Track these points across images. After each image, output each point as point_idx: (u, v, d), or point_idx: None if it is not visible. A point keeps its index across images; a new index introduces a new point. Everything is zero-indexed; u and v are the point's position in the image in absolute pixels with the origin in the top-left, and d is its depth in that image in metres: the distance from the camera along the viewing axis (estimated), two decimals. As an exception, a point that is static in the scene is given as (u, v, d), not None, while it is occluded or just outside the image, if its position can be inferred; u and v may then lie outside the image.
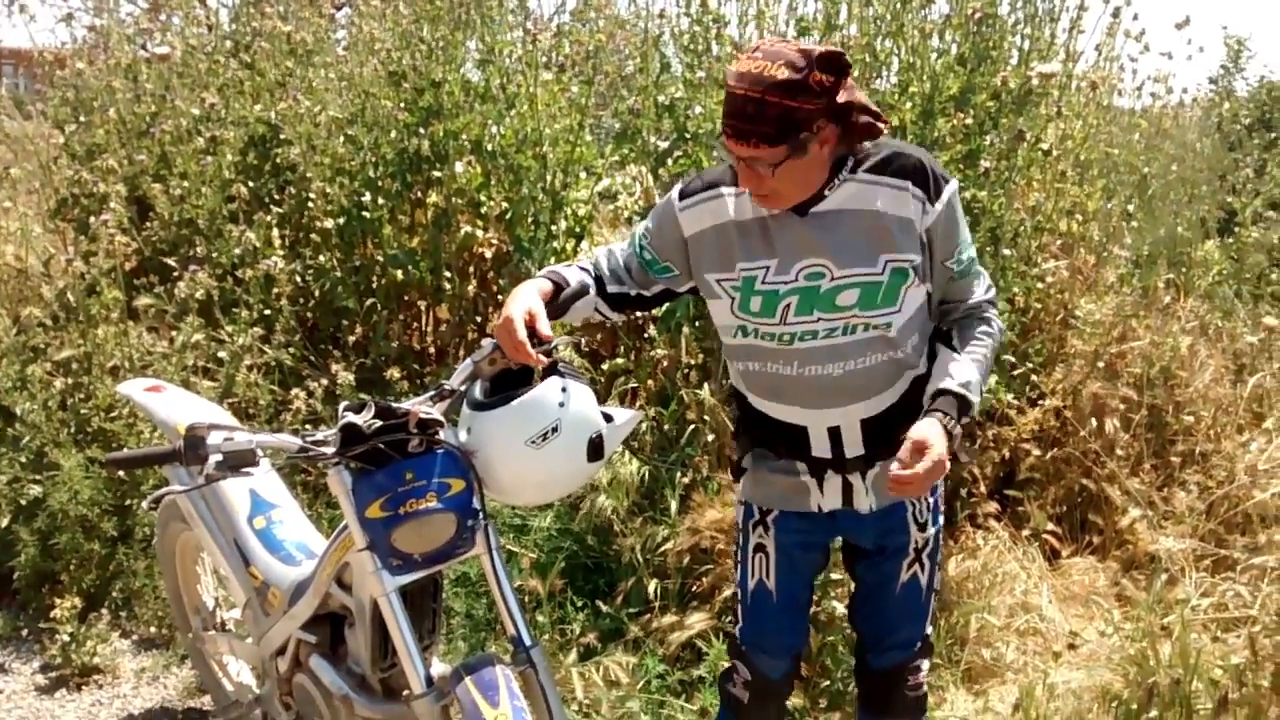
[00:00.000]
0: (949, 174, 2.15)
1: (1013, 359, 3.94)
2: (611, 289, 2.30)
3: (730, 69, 1.97)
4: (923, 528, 2.33)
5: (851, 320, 2.09)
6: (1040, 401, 3.99)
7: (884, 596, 2.38)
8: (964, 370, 2.13)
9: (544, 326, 2.10)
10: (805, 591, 2.45)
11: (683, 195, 2.19)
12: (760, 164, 1.97)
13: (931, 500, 2.34)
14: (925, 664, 2.45)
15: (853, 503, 2.26)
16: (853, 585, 2.49)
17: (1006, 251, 3.77)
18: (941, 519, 2.39)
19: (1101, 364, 4.00)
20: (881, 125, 2.03)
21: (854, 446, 2.20)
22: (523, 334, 2.07)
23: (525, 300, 2.13)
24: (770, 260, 2.10)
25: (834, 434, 2.19)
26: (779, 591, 2.37)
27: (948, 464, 2.01)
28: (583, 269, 2.31)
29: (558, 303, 2.20)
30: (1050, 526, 3.78)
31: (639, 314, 4.27)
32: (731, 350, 2.24)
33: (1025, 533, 3.71)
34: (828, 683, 3.13)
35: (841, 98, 1.96)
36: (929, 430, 2.01)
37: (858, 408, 2.17)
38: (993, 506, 3.79)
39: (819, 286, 2.08)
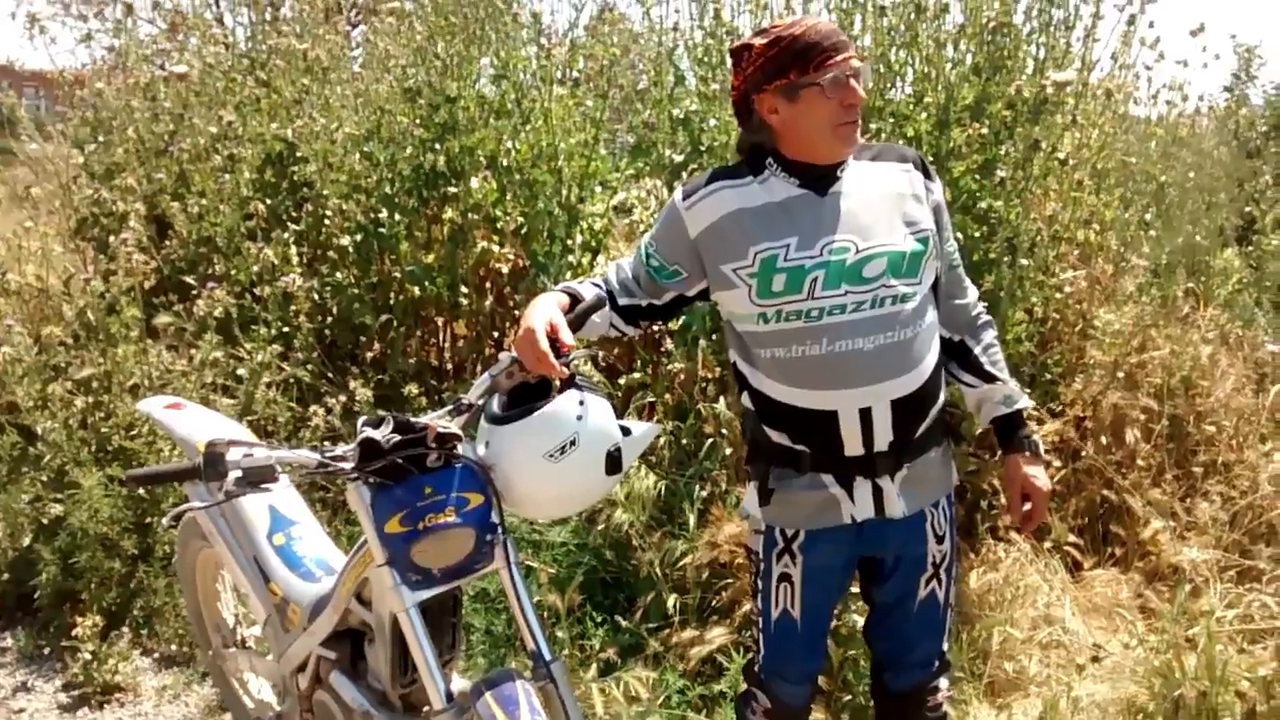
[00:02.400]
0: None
1: (1032, 370, 3.92)
2: (623, 302, 2.30)
3: (789, 29, 2.09)
4: (940, 540, 2.31)
5: (879, 292, 2.10)
6: (1060, 413, 3.96)
7: (903, 613, 2.35)
8: (1013, 387, 2.36)
9: (566, 336, 2.10)
10: (829, 615, 2.43)
11: (686, 195, 2.22)
12: (862, 75, 2.10)
13: (948, 512, 2.33)
14: (944, 683, 2.42)
15: (884, 509, 2.21)
16: (869, 608, 2.46)
17: (1024, 261, 3.76)
18: (955, 531, 2.38)
19: (1121, 374, 3.97)
20: None
21: (884, 433, 2.15)
22: (545, 344, 2.07)
23: (545, 312, 2.13)
24: (791, 238, 2.11)
25: (865, 419, 2.14)
26: (804, 620, 2.33)
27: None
28: (595, 284, 2.32)
29: (574, 315, 2.20)
30: (1072, 538, 3.75)
31: (655, 327, 4.27)
32: (755, 340, 2.18)
33: (1047, 545, 3.68)
34: (849, 698, 3.11)
35: None
36: (1037, 475, 2.34)
37: (889, 386, 2.13)
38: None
39: (845, 260, 2.10)
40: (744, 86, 2.17)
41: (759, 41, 2.11)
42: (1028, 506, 2.33)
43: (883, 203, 2.15)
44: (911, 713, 2.40)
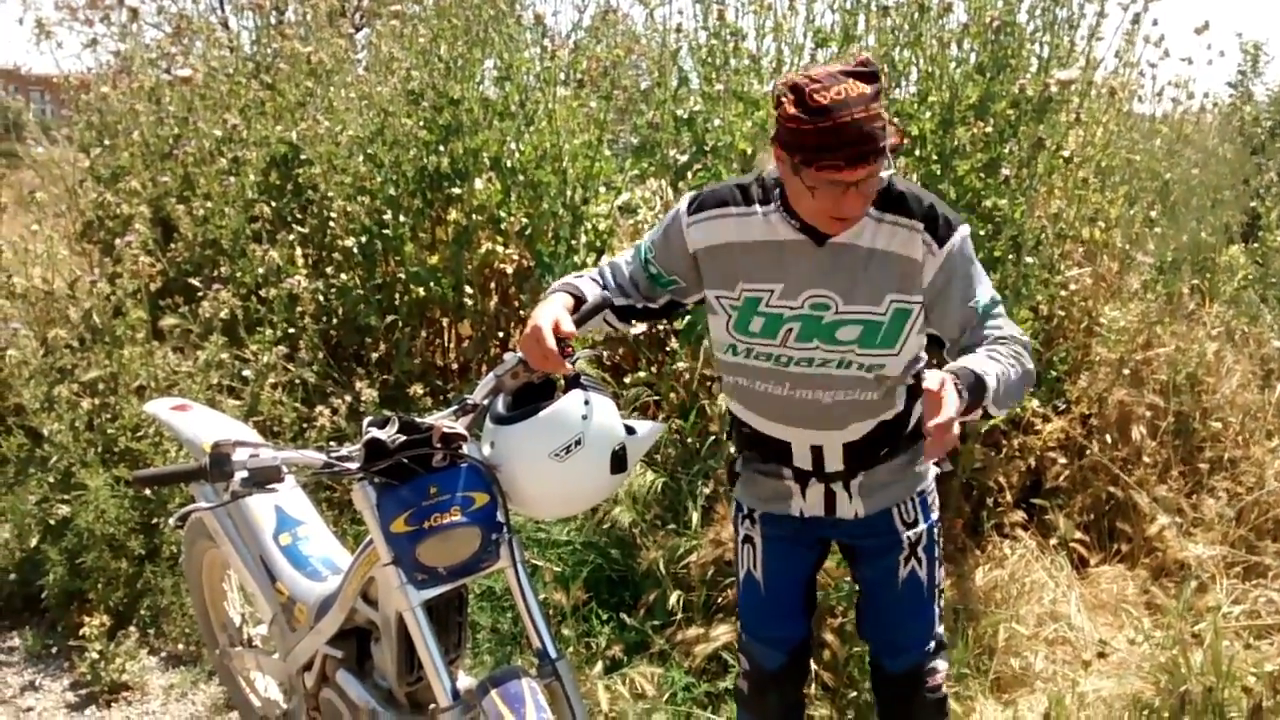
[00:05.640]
0: (960, 218, 2.12)
1: (1038, 368, 3.92)
2: (618, 302, 2.31)
3: (821, 103, 1.86)
4: (911, 525, 2.33)
5: (849, 356, 2.11)
6: (1066, 410, 3.96)
7: (887, 596, 2.38)
8: (979, 362, 2.00)
9: (568, 328, 2.11)
10: (798, 586, 2.45)
11: (691, 211, 2.19)
12: (871, 182, 1.94)
13: (918, 499, 2.34)
14: (942, 664, 2.43)
15: (835, 510, 2.30)
16: (859, 593, 2.50)
17: (1029, 259, 3.76)
18: (935, 514, 2.38)
19: (1127, 371, 3.97)
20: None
21: (834, 463, 2.25)
22: (552, 342, 2.07)
23: (551, 311, 2.14)
24: (776, 284, 2.11)
25: (816, 451, 2.25)
26: (766, 583, 2.42)
27: (956, 426, 1.85)
28: (594, 280, 2.33)
29: (579, 316, 2.21)
30: (1078, 535, 3.75)
31: (658, 327, 4.28)
32: (723, 365, 2.27)
33: (1053, 541, 3.68)
34: (855, 694, 3.11)
35: None
36: (941, 385, 1.85)
37: (840, 434, 2.21)
38: (1019, 515, 3.78)
39: (822, 318, 2.10)
40: None
41: (786, 103, 1.92)
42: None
43: (875, 266, 2.06)
44: (911, 694, 2.41)
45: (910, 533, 2.32)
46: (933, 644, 2.40)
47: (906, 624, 2.39)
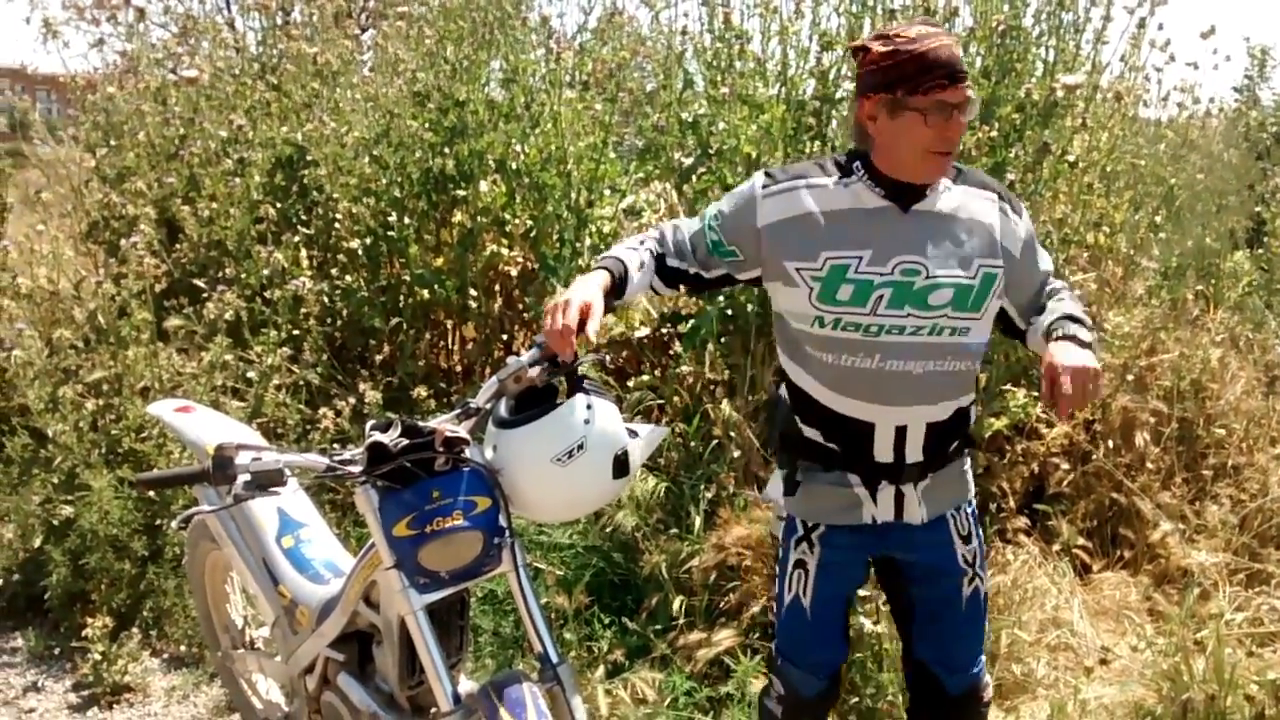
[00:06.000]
0: None
1: (1041, 372, 3.91)
2: (671, 263, 2.27)
3: (910, 36, 2.02)
4: (966, 539, 2.32)
5: (940, 321, 2.11)
6: (1070, 415, 3.95)
7: (953, 616, 2.34)
8: (1066, 308, 2.16)
9: (593, 328, 2.06)
10: (842, 609, 2.42)
11: (766, 183, 2.18)
12: (968, 108, 2.04)
13: (969, 510, 2.34)
14: (988, 677, 2.43)
15: (904, 514, 2.25)
16: (905, 612, 2.43)
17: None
18: (980, 532, 2.38)
19: (1131, 377, 3.97)
20: None
21: (915, 451, 2.19)
22: (574, 320, 2.02)
23: (587, 292, 2.08)
24: (863, 251, 2.09)
25: (899, 435, 2.17)
26: (814, 609, 2.34)
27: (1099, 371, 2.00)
28: (649, 248, 2.27)
29: (619, 295, 2.18)
30: (1081, 541, 3.74)
31: (663, 330, 4.28)
32: (804, 339, 2.18)
33: (1055, 547, 3.67)
34: (856, 699, 3.10)
35: None
36: (1063, 351, 2.01)
37: (929, 410, 2.17)
38: (1022, 521, 3.77)
39: (913, 283, 2.09)
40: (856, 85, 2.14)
41: (877, 47, 2.06)
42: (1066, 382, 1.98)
43: (960, 231, 2.13)
44: (970, 713, 2.40)
45: (966, 550, 2.32)
46: (983, 659, 2.40)
47: (970, 643, 2.37)
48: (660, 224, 2.37)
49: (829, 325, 2.12)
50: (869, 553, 2.35)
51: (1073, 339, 2.05)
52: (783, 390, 2.31)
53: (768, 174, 2.20)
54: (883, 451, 2.19)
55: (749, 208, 2.18)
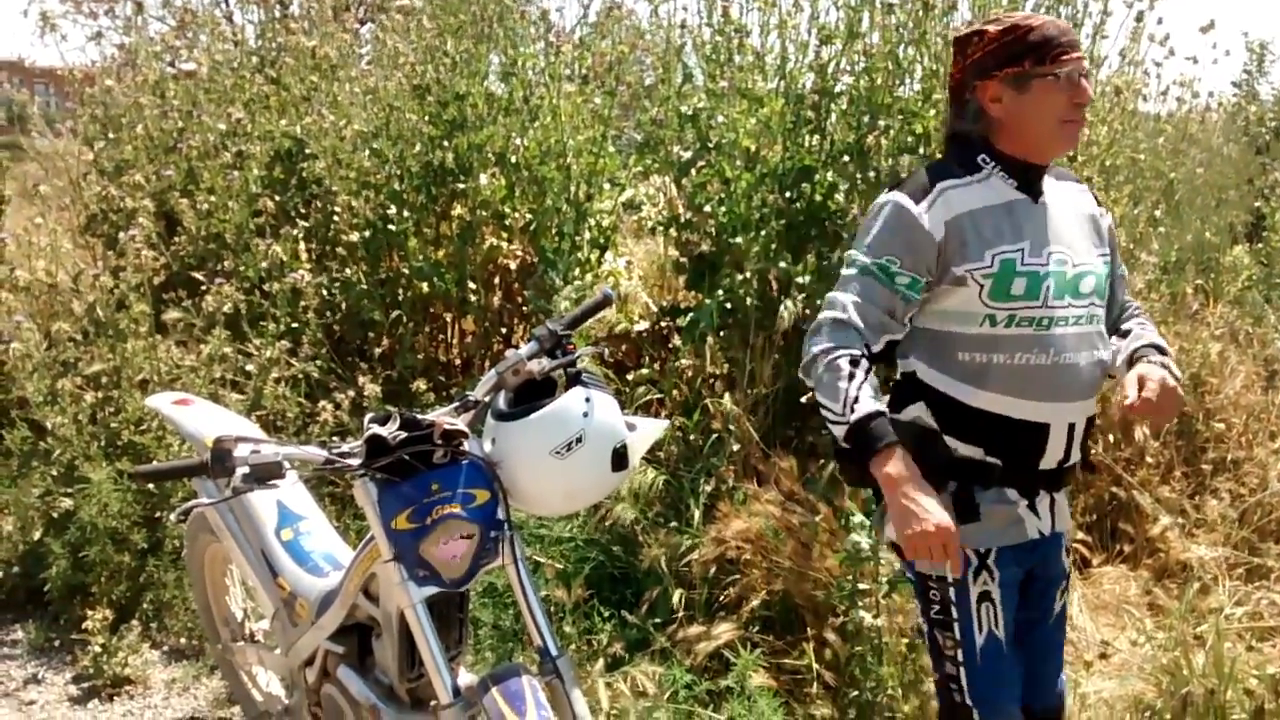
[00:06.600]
0: None
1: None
2: (878, 349, 2.10)
3: (1013, 16, 2.09)
4: (1068, 552, 2.33)
5: (1091, 309, 2.12)
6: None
7: (1044, 632, 2.29)
8: (1151, 335, 2.23)
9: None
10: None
11: (914, 199, 2.07)
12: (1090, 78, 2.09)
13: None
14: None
15: (1056, 523, 2.21)
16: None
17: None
18: None
19: (1130, 371, 3.96)
20: None
21: (1076, 451, 2.15)
22: (950, 526, 1.95)
23: (940, 512, 1.97)
24: (1023, 242, 2.07)
25: (1070, 433, 2.11)
26: (1008, 636, 2.17)
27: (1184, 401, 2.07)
28: (855, 370, 2.04)
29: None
30: (1080, 535, 3.74)
31: (660, 324, 4.28)
32: (972, 343, 2.07)
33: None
34: (856, 693, 3.11)
35: None
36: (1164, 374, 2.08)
37: (1089, 404, 2.16)
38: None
39: (1065, 272, 2.09)
40: (964, 74, 2.12)
41: (993, 28, 2.07)
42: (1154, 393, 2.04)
43: (1079, 221, 2.16)
44: None
45: (1067, 563, 2.31)
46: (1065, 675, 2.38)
47: (1055, 656, 2.32)
48: (823, 341, 2.09)
49: (1002, 323, 2.05)
50: (1027, 567, 2.22)
51: (1167, 369, 2.11)
52: (921, 411, 2.14)
53: (903, 193, 2.09)
54: (1053, 455, 2.11)
55: (918, 230, 2.06)
